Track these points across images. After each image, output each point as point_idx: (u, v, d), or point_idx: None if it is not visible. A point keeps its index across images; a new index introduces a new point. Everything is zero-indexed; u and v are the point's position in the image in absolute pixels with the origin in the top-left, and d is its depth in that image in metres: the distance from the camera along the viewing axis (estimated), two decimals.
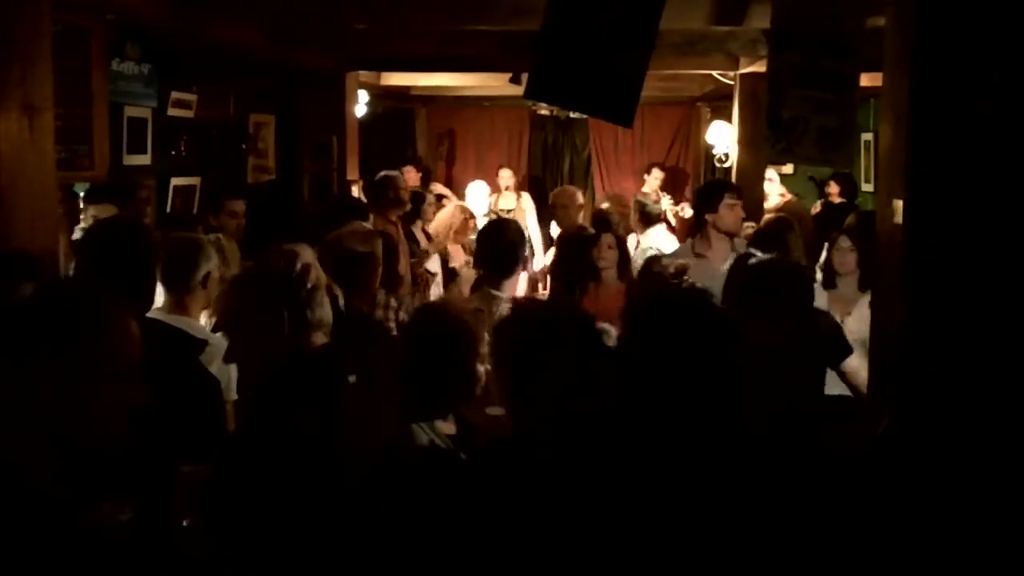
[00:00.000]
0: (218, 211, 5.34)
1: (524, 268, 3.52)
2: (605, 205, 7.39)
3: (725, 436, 1.91)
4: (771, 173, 8.37)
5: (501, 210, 8.73)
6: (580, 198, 6.17)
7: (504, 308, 3.33)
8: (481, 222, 7.48)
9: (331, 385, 2.30)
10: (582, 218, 6.52)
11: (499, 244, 3.63)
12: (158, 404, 2.42)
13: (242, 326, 2.31)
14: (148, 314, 2.86)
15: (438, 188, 9.11)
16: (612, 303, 4.40)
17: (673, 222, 8.23)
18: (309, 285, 2.29)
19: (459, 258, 6.31)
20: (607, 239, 4.74)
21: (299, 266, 2.33)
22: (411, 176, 8.33)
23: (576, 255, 4.79)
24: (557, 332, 2.14)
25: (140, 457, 2.32)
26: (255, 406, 2.38)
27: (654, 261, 3.59)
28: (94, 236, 2.93)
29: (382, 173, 5.96)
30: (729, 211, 4.53)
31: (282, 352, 2.25)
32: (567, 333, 2.14)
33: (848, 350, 3.40)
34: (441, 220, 6.70)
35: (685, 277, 3.17)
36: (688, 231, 8.00)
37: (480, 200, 8.20)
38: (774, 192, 7.95)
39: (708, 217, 4.56)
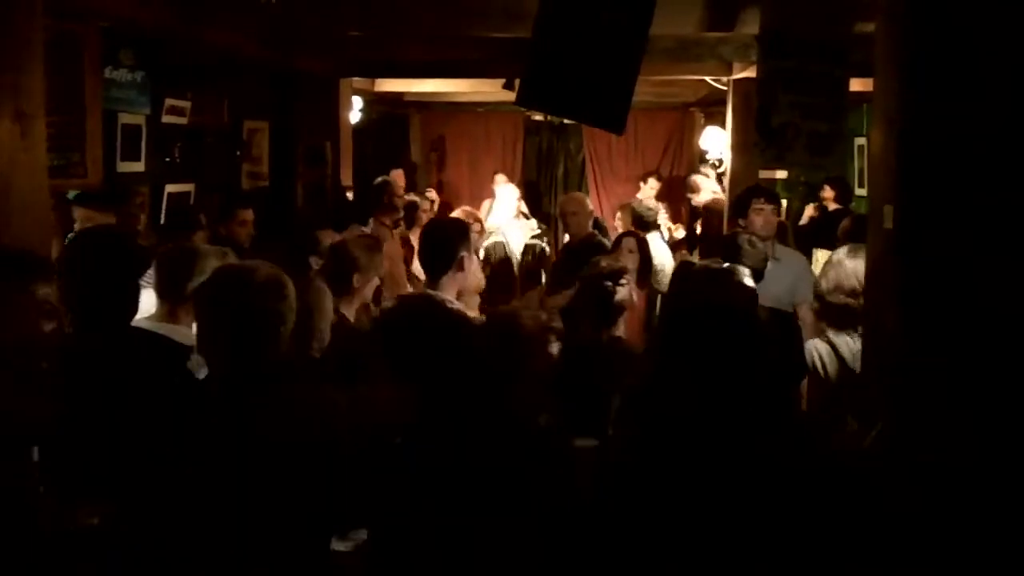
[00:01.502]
0: (229, 220, 5.35)
1: (460, 268, 3.44)
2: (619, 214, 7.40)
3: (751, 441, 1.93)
4: (706, 169, 8.56)
5: None
6: (590, 204, 6.11)
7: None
8: (514, 225, 7.55)
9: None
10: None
11: (431, 243, 3.54)
12: (142, 409, 2.43)
13: (200, 335, 2.31)
14: (136, 322, 2.86)
15: (431, 194, 9.19)
16: (630, 309, 4.35)
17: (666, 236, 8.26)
18: (262, 301, 2.26)
19: None
20: (628, 243, 4.60)
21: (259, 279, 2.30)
22: (399, 179, 8.38)
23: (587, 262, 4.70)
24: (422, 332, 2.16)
25: (121, 461, 2.32)
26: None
27: (594, 263, 3.56)
28: (76, 245, 2.92)
29: (379, 179, 6.13)
30: (757, 215, 4.57)
31: (230, 366, 2.24)
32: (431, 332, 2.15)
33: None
34: None
35: (623, 281, 3.13)
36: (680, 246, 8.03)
37: (508, 203, 8.13)
38: (707, 188, 8.07)
39: (741, 223, 4.62)
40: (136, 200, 5.22)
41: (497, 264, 6.88)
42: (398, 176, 8.11)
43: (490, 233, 7.20)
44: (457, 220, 4.68)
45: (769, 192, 4.89)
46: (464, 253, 3.41)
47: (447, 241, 3.45)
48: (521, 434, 2.20)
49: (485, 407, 2.18)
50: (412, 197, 7.49)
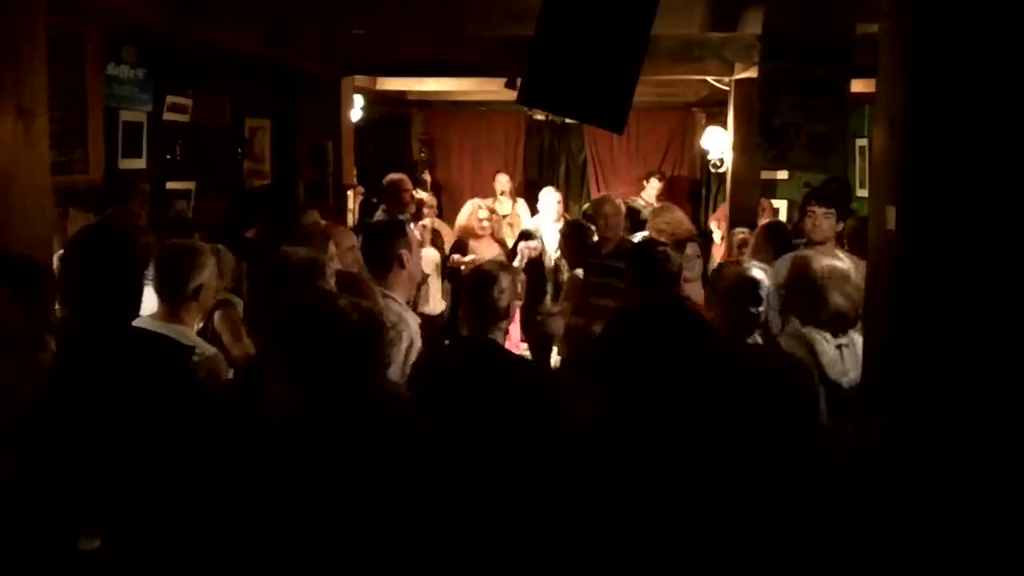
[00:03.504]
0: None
1: (402, 265, 3.50)
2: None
3: (708, 451, 1.92)
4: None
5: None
6: (623, 207, 6.06)
7: (392, 307, 3.36)
8: (555, 228, 7.59)
9: None
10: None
11: (370, 243, 3.64)
12: (144, 411, 2.43)
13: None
14: (138, 322, 2.85)
15: (425, 175, 9.84)
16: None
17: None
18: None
19: (490, 255, 6.37)
20: (692, 248, 4.56)
21: None
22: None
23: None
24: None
25: (120, 466, 2.33)
26: None
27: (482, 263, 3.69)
28: (77, 244, 2.90)
29: (390, 176, 6.41)
30: (807, 219, 4.63)
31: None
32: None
33: None
34: (459, 218, 6.89)
35: (502, 284, 3.18)
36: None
37: (550, 206, 8.17)
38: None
39: (803, 227, 4.69)
40: (137, 199, 5.22)
41: (528, 266, 6.96)
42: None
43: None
44: (394, 220, 4.90)
45: (822, 195, 4.79)
46: (403, 250, 3.49)
47: (385, 240, 3.55)
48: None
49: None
50: (421, 195, 7.60)
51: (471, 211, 6.81)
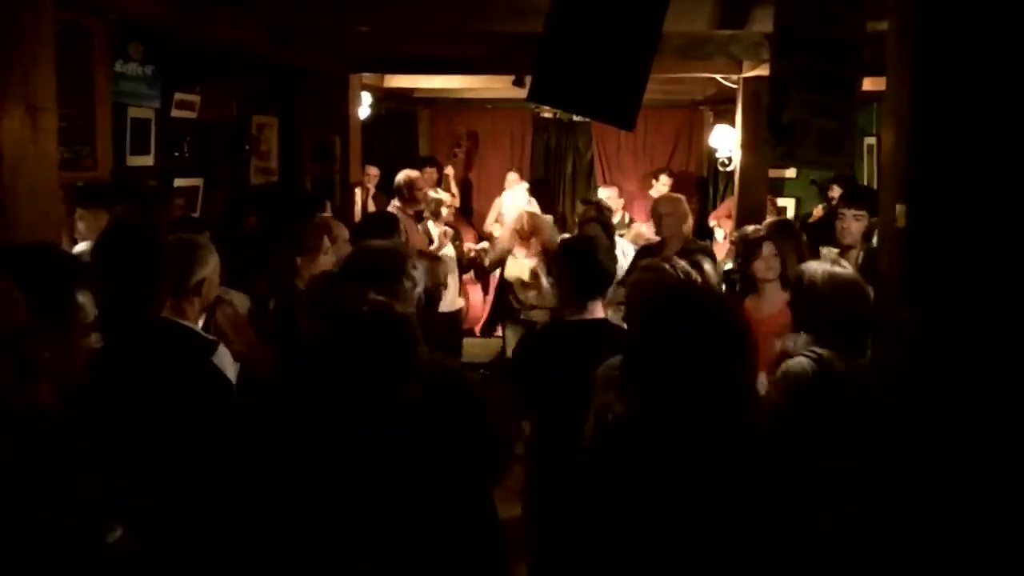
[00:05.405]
0: (163, 207, 5.31)
1: None
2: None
3: (727, 435, 1.92)
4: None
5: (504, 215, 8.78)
6: (686, 205, 5.66)
7: None
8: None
9: None
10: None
11: (364, 234, 3.81)
12: (172, 404, 2.45)
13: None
14: None
15: (448, 170, 9.57)
16: (781, 317, 3.77)
17: None
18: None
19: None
20: (769, 248, 4.33)
21: None
22: (430, 176, 8.47)
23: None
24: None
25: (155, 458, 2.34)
26: None
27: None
28: (105, 239, 2.91)
29: (405, 173, 6.52)
30: (838, 222, 4.51)
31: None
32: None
33: None
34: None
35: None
36: None
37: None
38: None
39: (813, 221, 4.70)
40: (177, 201, 5.25)
41: None
42: (428, 173, 8.32)
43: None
44: (389, 214, 5.30)
45: (853, 197, 4.66)
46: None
47: (379, 234, 3.67)
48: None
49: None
50: (439, 194, 7.63)
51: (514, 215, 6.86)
